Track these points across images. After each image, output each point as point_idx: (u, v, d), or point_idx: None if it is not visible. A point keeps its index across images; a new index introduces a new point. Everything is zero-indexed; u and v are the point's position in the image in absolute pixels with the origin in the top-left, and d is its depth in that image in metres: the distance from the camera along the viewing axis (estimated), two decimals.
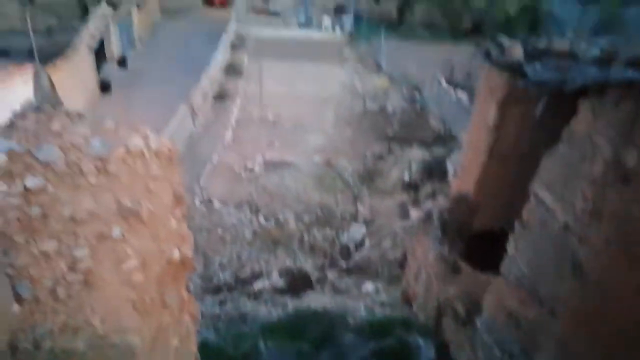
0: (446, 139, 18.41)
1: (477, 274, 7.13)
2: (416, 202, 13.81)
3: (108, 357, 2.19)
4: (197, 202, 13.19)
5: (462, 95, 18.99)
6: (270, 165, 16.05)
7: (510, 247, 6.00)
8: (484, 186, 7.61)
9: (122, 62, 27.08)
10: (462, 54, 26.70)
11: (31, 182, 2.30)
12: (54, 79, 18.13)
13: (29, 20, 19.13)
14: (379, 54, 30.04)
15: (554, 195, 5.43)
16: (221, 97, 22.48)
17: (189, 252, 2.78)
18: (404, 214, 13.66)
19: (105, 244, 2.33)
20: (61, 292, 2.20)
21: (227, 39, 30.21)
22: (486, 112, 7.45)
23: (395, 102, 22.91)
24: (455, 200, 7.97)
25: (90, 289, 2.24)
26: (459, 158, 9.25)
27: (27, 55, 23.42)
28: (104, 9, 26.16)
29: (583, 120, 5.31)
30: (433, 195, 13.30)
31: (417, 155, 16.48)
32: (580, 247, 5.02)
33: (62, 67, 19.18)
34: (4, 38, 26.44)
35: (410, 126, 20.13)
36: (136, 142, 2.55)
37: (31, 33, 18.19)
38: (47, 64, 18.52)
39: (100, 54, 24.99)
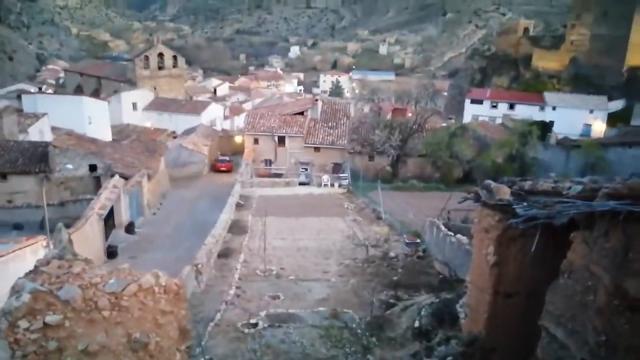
0: (453, 283, 18.17)
1: None
2: (429, 351, 13.08)
3: None
4: None
5: (462, 239, 19.27)
6: (275, 320, 15.59)
7: None
8: (495, 326, 7.41)
9: (129, 229, 28.03)
10: (456, 200, 27.80)
11: (50, 318, 2.50)
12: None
13: (44, 195, 20.45)
14: (377, 204, 31.23)
15: (565, 330, 5.31)
16: (225, 255, 22.77)
17: None
18: None
19: None
20: None
21: (232, 200, 31.71)
22: (485, 251, 7.62)
23: (397, 249, 23.15)
24: (468, 343, 7.68)
25: None
26: (468, 298, 9.13)
27: (39, 228, 24.45)
28: (115, 180, 27.98)
29: (578, 252, 5.46)
30: (446, 342, 12.67)
31: (425, 301, 16.11)
32: None
33: (72, 236, 19.86)
34: (20, 212, 27.91)
35: (415, 272, 20.06)
36: (148, 279, 2.75)
37: (45, 207, 19.31)
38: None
39: (109, 221, 26.01)
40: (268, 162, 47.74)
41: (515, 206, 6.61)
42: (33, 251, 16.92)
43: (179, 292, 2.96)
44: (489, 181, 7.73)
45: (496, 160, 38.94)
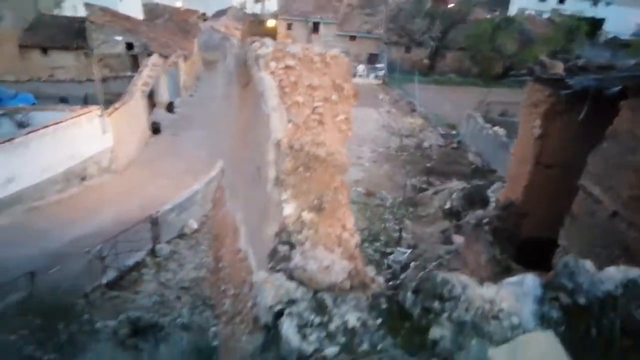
0: (484, 172, 18.83)
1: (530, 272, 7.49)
2: (458, 228, 14.13)
3: (333, 165, 3.63)
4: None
5: (499, 131, 19.53)
6: None
7: (562, 239, 6.42)
8: (531, 194, 8.08)
9: (169, 108, 28.94)
10: (495, 95, 27.46)
11: (288, 62, 3.92)
12: (113, 120, 19.64)
13: (95, 70, 21.06)
14: (412, 96, 31.10)
15: (602, 186, 5.92)
16: None
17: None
18: (447, 240, 13.98)
19: (327, 104, 3.86)
20: (309, 123, 3.70)
21: None
22: (531, 125, 8.05)
23: (431, 139, 23.63)
24: (504, 207, 8.43)
25: (323, 126, 3.76)
26: (509, 168, 9.74)
27: (83, 102, 25.48)
28: (154, 58, 28.29)
29: (624, 118, 5.87)
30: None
31: (456, 186, 16.92)
32: (629, 230, 5.45)
33: (120, 109, 20.80)
34: (64, 86, 28.93)
35: (448, 161, 20.71)
36: (336, 50, 4.25)
37: (97, 80, 19.94)
38: (106, 108, 20.07)
39: (150, 100, 26.84)
40: None
41: (568, 79, 6.91)
42: (88, 119, 18.02)
43: (350, 67, 4.34)
44: (543, 57, 7.93)
45: (539, 57, 37.31)
